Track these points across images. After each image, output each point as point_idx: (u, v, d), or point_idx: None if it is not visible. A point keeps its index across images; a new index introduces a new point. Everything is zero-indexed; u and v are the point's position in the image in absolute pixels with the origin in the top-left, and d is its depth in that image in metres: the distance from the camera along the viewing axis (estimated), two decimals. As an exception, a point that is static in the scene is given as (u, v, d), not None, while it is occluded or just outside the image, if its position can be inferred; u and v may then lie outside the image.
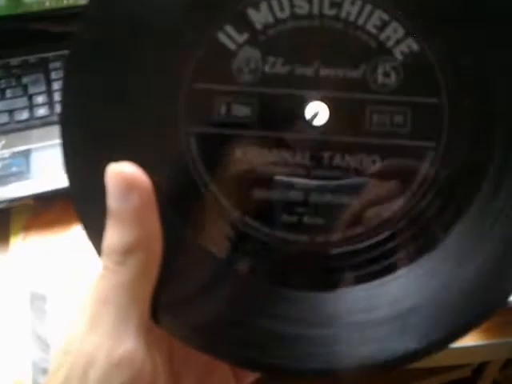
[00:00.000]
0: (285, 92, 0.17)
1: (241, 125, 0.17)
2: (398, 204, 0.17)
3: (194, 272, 0.18)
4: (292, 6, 0.17)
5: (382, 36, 0.17)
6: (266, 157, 0.17)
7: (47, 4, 0.60)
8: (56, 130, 0.49)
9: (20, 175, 0.45)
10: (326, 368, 0.18)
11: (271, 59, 0.17)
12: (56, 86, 0.54)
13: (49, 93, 0.53)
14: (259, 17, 0.17)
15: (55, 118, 0.50)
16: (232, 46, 0.17)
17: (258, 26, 0.17)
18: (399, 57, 0.17)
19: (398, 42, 0.17)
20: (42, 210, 0.45)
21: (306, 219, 0.17)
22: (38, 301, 0.39)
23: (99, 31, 0.17)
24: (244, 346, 0.18)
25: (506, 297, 0.19)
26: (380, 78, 0.17)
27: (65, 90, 0.18)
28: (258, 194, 0.17)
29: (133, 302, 0.17)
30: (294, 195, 0.17)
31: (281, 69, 0.17)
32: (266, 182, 0.17)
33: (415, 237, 0.18)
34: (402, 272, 0.18)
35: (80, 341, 0.17)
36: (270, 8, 0.17)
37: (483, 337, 0.39)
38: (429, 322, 0.18)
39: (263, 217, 0.17)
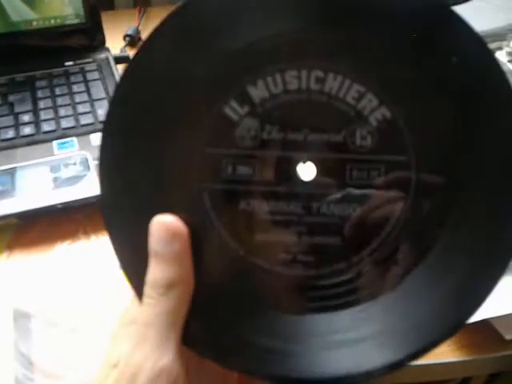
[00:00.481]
0: (279, 154, 0.21)
1: (244, 182, 0.21)
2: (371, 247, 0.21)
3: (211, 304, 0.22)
4: (284, 82, 0.21)
5: (359, 106, 0.21)
6: (265, 207, 0.22)
7: (34, 23, 0.60)
8: (41, 148, 0.50)
9: (5, 193, 0.45)
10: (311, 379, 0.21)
11: (268, 127, 0.21)
12: (42, 104, 0.54)
13: (35, 111, 0.53)
14: (257, 93, 0.21)
15: (41, 137, 0.51)
16: (235, 118, 0.21)
17: (256, 100, 0.21)
18: (374, 123, 0.21)
19: (372, 110, 0.21)
20: (27, 229, 0.45)
21: (299, 257, 0.22)
22: (21, 318, 0.39)
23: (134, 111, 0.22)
24: (249, 358, 0.22)
25: (468, 316, 0.21)
26: (358, 141, 0.21)
27: (105, 158, 0.22)
28: (260, 237, 0.22)
29: (173, 326, 0.21)
30: (289, 237, 0.22)
31: (276, 135, 0.21)
32: (266, 226, 0.22)
33: (382, 273, 0.22)
34: (371, 303, 0.22)
35: (127, 355, 0.21)
36: (266, 85, 0.21)
37: (465, 353, 0.39)
38: (401, 340, 0.21)
39: (263, 255, 0.22)
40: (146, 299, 0.21)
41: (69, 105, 0.54)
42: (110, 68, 0.60)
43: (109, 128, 0.22)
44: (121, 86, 0.21)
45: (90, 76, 0.58)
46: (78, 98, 0.55)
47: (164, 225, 0.21)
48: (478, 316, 0.38)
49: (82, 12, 0.61)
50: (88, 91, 0.56)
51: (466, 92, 0.20)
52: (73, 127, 0.52)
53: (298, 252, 0.21)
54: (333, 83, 0.21)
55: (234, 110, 0.21)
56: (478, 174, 0.20)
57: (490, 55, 0.20)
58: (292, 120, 0.21)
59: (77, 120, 0.53)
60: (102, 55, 0.61)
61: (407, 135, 0.21)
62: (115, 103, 0.21)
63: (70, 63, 0.59)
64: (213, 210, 0.22)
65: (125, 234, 0.22)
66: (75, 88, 0.56)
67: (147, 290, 0.21)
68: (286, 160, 0.22)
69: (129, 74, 0.21)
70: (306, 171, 0.22)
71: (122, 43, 0.68)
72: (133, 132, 0.21)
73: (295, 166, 0.22)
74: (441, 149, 0.21)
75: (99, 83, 0.57)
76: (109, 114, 0.21)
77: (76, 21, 0.61)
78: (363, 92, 0.21)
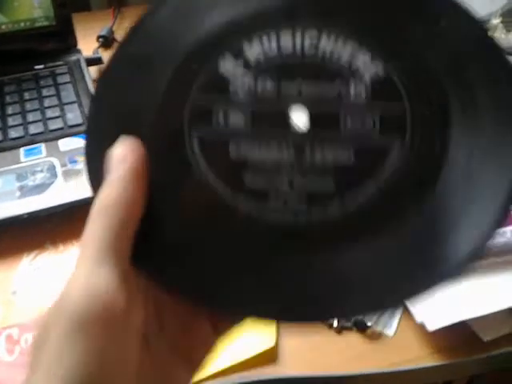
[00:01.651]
0: (273, 104, 0.21)
1: (235, 129, 0.21)
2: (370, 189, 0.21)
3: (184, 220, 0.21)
4: (278, 41, 0.21)
5: (353, 62, 0.21)
6: (256, 154, 0.21)
7: (3, 27, 0.59)
8: (7, 155, 0.49)
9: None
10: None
11: (261, 81, 0.21)
12: (10, 110, 0.53)
13: (2, 117, 0.52)
14: (252, 51, 0.21)
15: (8, 144, 0.49)
16: (230, 72, 0.22)
17: (251, 58, 0.21)
18: (367, 78, 0.21)
19: (366, 66, 0.21)
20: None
21: (290, 203, 0.21)
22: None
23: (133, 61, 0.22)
24: (225, 295, 0.21)
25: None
26: (352, 93, 0.21)
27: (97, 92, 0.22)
28: (248, 179, 0.21)
29: (111, 247, 0.19)
30: (280, 181, 0.21)
31: (270, 87, 0.21)
32: (255, 169, 0.21)
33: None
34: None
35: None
36: (261, 44, 0.21)
37: (444, 357, 0.39)
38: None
39: (253, 202, 0.21)
40: (87, 222, 0.20)
41: (38, 110, 0.53)
42: (82, 71, 0.58)
43: (113, 67, 0.22)
44: (125, 43, 0.22)
45: (60, 79, 0.57)
46: (47, 103, 0.54)
47: (122, 144, 0.21)
48: (455, 318, 0.37)
49: (52, 14, 0.60)
50: (58, 95, 0.55)
51: (453, 55, 0.21)
52: (41, 133, 0.51)
53: (289, 199, 0.21)
54: (327, 42, 0.21)
55: (229, 65, 0.22)
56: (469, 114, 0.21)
57: (475, 20, 0.21)
58: (286, 73, 0.21)
59: (45, 125, 0.51)
60: (74, 58, 0.60)
61: (399, 85, 0.21)
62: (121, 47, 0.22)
63: (41, 66, 0.58)
64: (201, 155, 0.21)
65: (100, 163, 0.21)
66: (45, 92, 0.55)
67: (91, 212, 0.20)
68: (279, 110, 0.21)
69: (132, 32, 0.22)
70: (300, 121, 0.21)
71: (96, 44, 0.67)
72: (133, 71, 0.22)
73: (289, 115, 0.21)
74: (433, 99, 0.21)
75: (70, 86, 0.56)
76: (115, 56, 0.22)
77: (46, 23, 0.60)
78: (357, 49, 0.21)
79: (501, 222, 0.21)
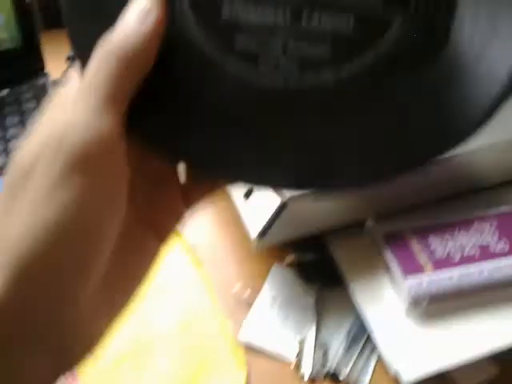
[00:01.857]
0: None
1: None
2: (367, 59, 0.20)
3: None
4: None
5: None
6: (250, 13, 0.20)
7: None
8: None
9: None
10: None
11: None
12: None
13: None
14: None
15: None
16: None
17: None
18: None
19: None
20: None
21: (282, 68, 0.20)
22: None
23: None
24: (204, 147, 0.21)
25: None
26: None
27: None
28: (239, 41, 0.20)
29: (112, 97, 0.19)
30: (272, 45, 0.20)
31: None
32: (247, 32, 0.20)
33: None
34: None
35: (52, 120, 0.19)
36: None
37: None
38: None
39: (244, 64, 0.20)
40: (92, 63, 0.19)
41: (1, 139, 0.51)
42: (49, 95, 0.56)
43: None
44: None
45: (25, 105, 0.55)
46: (11, 132, 0.52)
47: None
48: (432, 368, 0.36)
49: (17, 36, 0.58)
50: (23, 122, 0.53)
51: None
52: (3, 164, 0.48)
53: (280, 63, 0.20)
54: None
55: None
56: None
57: None
58: None
59: (7, 155, 0.49)
60: (41, 82, 0.58)
61: None
62: None
63: (5, 92, 0.56)
64: (192, 13, 0.21)
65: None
66: (9, 120, 0.53)
67: (98, 52, 0.19)
68: None
69: None
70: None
71: (65, 66, 0.64)
72: None
73: None
74: None
75: (36, 113, 0.54)
76: None
77: (11, 46, 0.58)
78: None
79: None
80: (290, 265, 0.44)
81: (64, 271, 0.18)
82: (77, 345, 0.19)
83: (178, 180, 0.23)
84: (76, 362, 0.20)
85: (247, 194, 0.43)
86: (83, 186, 0.18)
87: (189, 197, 0.23)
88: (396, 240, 0.41)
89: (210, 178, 0.22)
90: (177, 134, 0.21)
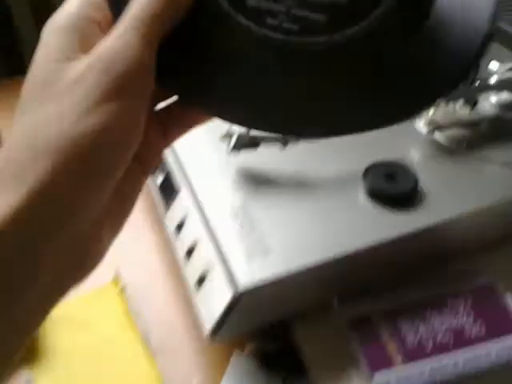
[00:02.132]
0: None
1: None
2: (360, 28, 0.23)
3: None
4: None
5: None
6: None
7: None
8: None
9: None
10: None
11: None
12: None
13: None
14: None
15: None
16: None
17: None
18: None
19: None
20: None
21: (284, 25, 0.23)
22: None
23: None
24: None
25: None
26: None
27: None
28: (250, 2, 0.24)
29: (156, 20, 0.22)
30: (278, 8, 0.24)
31: None
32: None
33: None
34: None
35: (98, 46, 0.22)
36: None
37: None
38: None
39: (253, 17, 0.24)
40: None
41: None
42: None
43: None
44: None
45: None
46: None
47: None
48: None
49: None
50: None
51: None
52: None
53: (284, 20, 0.23)
54: None
55: None
56: None
57: None
58: None
59: None
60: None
61: None
62: None
63: None
64: None
65: None
66: None
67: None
68: None
69: None
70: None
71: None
72: None
73: None
74: None
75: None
76: None
77: None
78: None
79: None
80: (252, 354, 0.40)
81: (88, 181, 0.20)
82: (76, 266, 0.22)
83: (160, 118, 0.25)
84: (71, 285, 0.22)
85: (199, 282, 0.40)
86: (122, 107, 0.21)
87: (168, 135, 0.25)
88: (363, 326, 0.38)
89: (201, 110, 0.25)
90: (181, 71, 0.24)
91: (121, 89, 0.21)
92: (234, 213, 0.42)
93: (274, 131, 0.24)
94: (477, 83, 0.47)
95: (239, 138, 0.42)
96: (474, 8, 0.24)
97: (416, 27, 0.24)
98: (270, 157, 0.45)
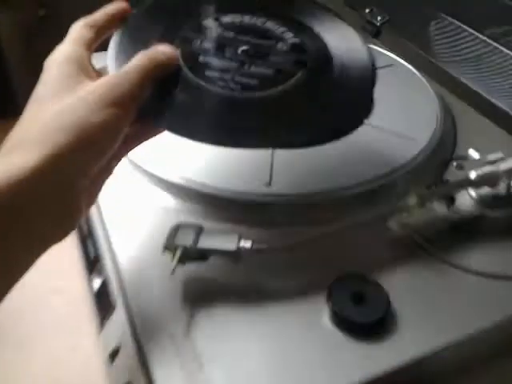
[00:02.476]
0: (231, 40, 0.40)
1: (205, 48, 0.39)
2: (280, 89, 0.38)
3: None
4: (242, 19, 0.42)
5: (283, 35, 0.41)
6: (215, 60, 0.38)
7: None
8: None
9: None
10: None
11: (226, 31, 0.41)
12: None
13: None
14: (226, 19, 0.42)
15: None
16: (209, 24, 0.41)
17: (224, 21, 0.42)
18: (289, 42, 0.41)
19: (289, 36, 0.41)
20: None
21: (231, 86, 0.37)
22: None
23: None
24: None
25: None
26: (279, 45, 0.40)
27: None
28: (208, 73, 0.38)
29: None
30: (226, 76, 0.37)
31: (231, 34, 0.40)
32: (212, 69, 0.38)
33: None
34: None
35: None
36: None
37: None
38: None
39: (209, 81, 0.37)
40: None
41: None
42: None
43: None
44: None
45: None
46: None
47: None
48: None
49: None
50: None
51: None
52: None
53: (230, 83, 0.37)
54: (272, 25, 0.42)
55: (209, 22, 0.41)
56: None
57: None
58: (242, 31, 0.41)
59: None
60: None
61: (305, 48, 0.41)
62: None
63: None
64: (182, 58, 0.37)
65: None
66: None
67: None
68: (234, 44, 0.40)
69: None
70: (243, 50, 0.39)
71: None
72: None
73: (239, 47, 0.39)
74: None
75: None
76: None
77: None
78: (286, 30, 0.42)
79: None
80: None
81: (91, 153, 0.30)
82: (58, 225, 0.30)
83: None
84: (50, 242, 0.29)
85: (112, 356, 0.34)
86: (118, 113, 0.31)
87: (128, 143, 0.35)
88: None
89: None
90: (164, 110, 0.35)
91: (119, 103, 0.31)
92: (173, 340, 0.35)
93: (217, 143, 0.35)
94: (453, 178, 0.42)
95: (185, 250, 0.36)
96: (358, 61, 0.41)
97: (320, 85, 0.39)
98: (221, 271, 0.39)
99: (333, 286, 0.37)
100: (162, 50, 0.35)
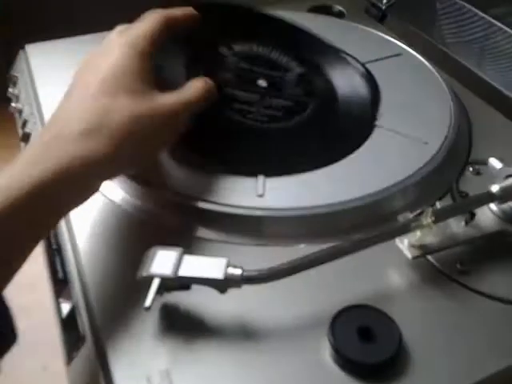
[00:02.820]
0: (248, 72, 0.47)
1: (228, 81, 0.46)
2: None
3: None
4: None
5: (290, 66, 0.48)
6: (240, 93, 0.45)
7: None
8: None
9: None
10: None
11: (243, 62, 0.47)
12: None
13: None
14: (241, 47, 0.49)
15: None
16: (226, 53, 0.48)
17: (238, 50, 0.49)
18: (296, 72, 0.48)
19: (296, 67, 0.49)
20: None
21: (256, 117, 0.44)
22: None
23: None
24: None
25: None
26: (290, 76, 0.48)
27: None
28: (235, 105, 0.44)
29: None
30: (251, 109, 0.44)
31: (247, 65, 0.47)
32: (239, 101, 0.45)
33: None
34: None
35: None
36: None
37: None
38: None
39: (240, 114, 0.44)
40: None
41: None
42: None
43: None
44: None
45: None
46: None
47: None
48: None
49: None
50: None
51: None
52: None
53: (257, 115, 0.44)
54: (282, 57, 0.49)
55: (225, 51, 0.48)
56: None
57: None
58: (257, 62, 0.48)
59: None
60: None
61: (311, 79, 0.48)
62: None
63: None
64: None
65: None
66: None
67: None
68: (252, 77, 0.46)
69: None
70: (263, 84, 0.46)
71: None
72: None
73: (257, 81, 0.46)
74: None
75: None
76: None
77: None
78: (293, 62, 0.49)
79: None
80: None
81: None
82: (83, 197, 0.34)
83: None
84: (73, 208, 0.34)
85: None
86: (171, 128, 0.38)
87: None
88: None
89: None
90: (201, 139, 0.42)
91: (171, 124, 0.37)
92: (152, 380, 0.30)
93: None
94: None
95: (163, 281, 0.31)
96: (360, 94, 0.48)
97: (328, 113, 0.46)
98: (205, 301, 0.33)
99: (335, 319, 0.32)
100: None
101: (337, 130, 0.45)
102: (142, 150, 0.35)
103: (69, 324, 0.36)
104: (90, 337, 0.33)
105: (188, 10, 0.41)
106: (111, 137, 0.33)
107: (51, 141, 0.32)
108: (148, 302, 0.30)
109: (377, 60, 0.54)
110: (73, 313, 0.36)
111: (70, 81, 0.37)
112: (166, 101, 0.36)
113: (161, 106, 0.35)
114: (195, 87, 0.39)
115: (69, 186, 0.31)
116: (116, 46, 0.37)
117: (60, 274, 0.39)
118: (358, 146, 0.43)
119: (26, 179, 0.30)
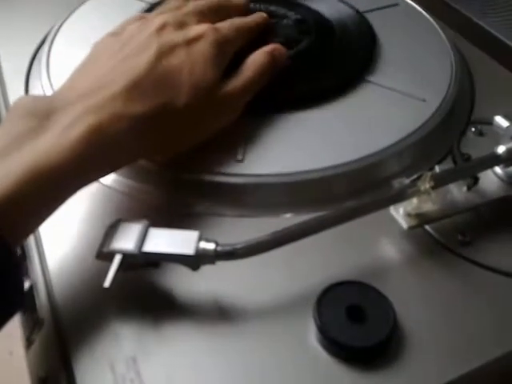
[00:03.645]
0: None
1: None
2: None
3: None
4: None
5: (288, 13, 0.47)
6: None
7: None
8: None
9: None
10: None
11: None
12: None
13: None
14: None
15: None
16: None
17: None
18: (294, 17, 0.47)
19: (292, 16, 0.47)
20: None
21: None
22: None
23: None
24: None
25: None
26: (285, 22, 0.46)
27: None
28: None
29: None
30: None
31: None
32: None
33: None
34: None
35: None
36: None
37: None
38: None
39: None
40: None
41: None
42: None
43: None
44: None
45: None
46: None
47: None
48: None
49: None
50: None
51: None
52: None
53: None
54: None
55: None
56: None
57: None
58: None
59: None
60: None
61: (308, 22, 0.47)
62: None
63: None
64: None
65: None
66: None
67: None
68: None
69: None
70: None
71: None
72: None
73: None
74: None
75: None
76: None
77: None
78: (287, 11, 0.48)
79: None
80: None
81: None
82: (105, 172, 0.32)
83: None
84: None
85: None
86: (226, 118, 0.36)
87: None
88: None
89: None
90: None
91: (230, 111, 0.36)
92: (113, 371, 0.27)
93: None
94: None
95: (125, 257, 0.27)
96: (356, 41, 0.47)
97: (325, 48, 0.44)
98: (176, 279, 0.30)
99: (321, 298, 0.29)
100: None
101: (328, 72, 0.42)
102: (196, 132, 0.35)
103: (28, 305, 0.33)
104: (49, 320, 0.30)
105: (262, 18, 0.43)
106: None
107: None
108: (108, 281, 0.27)
109: (372, 10, 0.49)
110: (31, 291, 0.33)
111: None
112: (227, 90, 0.35)
113: (221, 96, 0.35)
114: (254, 64, 0.37)
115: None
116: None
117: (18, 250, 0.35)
118: (345, 91, 0.41)
119: (64, 143, 0.28)
